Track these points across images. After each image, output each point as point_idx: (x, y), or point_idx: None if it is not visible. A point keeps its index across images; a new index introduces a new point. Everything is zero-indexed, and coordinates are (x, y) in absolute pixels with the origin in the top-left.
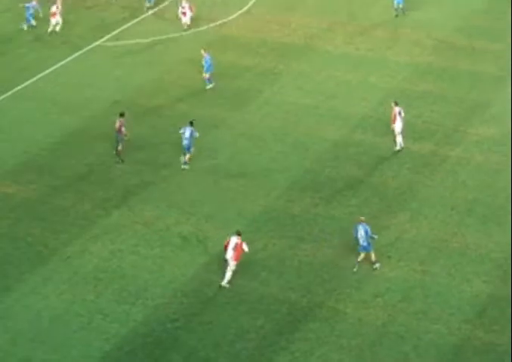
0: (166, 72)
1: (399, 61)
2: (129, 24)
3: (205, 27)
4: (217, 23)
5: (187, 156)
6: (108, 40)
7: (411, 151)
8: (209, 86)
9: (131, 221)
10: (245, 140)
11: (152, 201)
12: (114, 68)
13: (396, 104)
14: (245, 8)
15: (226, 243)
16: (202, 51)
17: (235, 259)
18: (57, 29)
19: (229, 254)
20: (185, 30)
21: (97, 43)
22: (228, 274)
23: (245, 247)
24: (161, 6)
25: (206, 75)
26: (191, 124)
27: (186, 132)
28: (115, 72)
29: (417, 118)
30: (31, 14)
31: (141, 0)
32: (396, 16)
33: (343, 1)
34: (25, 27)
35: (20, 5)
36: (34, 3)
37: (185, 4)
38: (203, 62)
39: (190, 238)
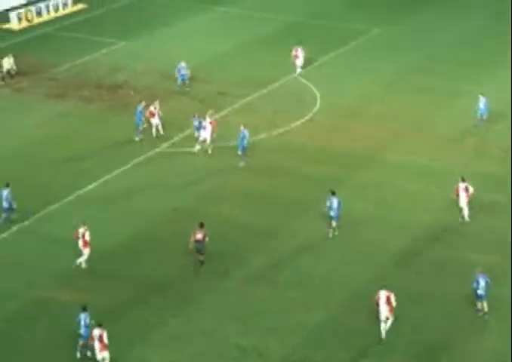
0: (226, 179)
1: (464, 171)
2: (190, 130)
3: (265, 135)
4: (279, 130)
5: (335, 224)
6: (169, 146)
7: (477, 263)
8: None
9: (189, 330)
10: (304, 250)
11: (211, 311)
12: (175, 174)
13: (463, 180)
14: (308, 116)
15: (375, 301)
16: (242, 127)
17: (391, 311)
18: (160, 129)
19: (383, 309)
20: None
21: (158, 149)
22: (389, 323)
23: (393, 300)
24: (222, 113)
25: (239, 152)
26: (333, 193)
27: (334, 203)
28: (177, 178)
29: (483, 229)
30: (140, 118)
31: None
32: (477, 126)
33: (405, 111)
34: (141, 128)
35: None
36: (143, 105)
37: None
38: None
39: (249, 350)
